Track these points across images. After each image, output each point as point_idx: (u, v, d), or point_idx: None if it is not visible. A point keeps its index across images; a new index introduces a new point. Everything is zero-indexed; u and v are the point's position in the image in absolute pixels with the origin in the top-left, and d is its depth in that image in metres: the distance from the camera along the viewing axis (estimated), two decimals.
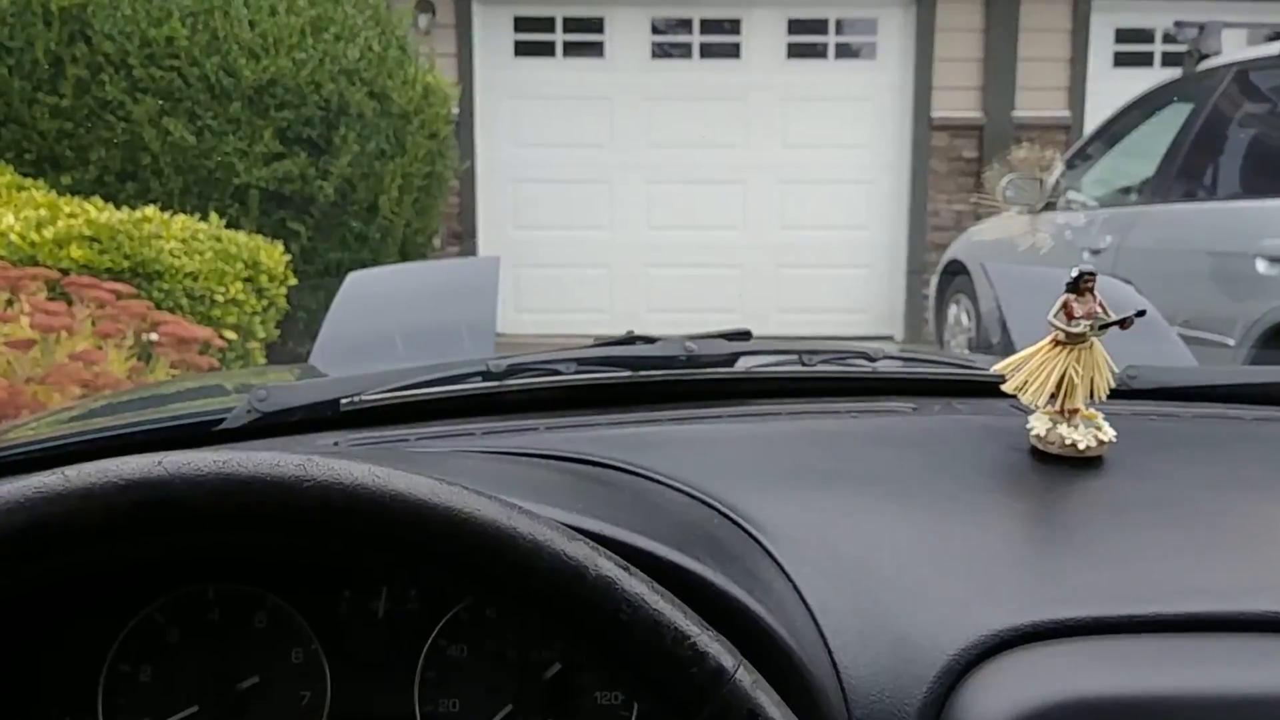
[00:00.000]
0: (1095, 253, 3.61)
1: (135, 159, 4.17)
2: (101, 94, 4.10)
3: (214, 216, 3.86)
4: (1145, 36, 6.31)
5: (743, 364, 0.92)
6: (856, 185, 6.34)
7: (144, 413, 0.98)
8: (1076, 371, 0.71)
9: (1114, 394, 0.73)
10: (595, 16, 6.23)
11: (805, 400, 0.85)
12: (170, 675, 0.57)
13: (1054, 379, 0.71)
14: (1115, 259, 3.52)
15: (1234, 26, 3.96)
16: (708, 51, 6.34)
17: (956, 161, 6.22)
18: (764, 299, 6.30)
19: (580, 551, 0.43)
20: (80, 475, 0.41)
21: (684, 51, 6.37)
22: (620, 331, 1.02)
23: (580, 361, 0.87)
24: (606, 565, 0.43)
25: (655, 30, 6.31)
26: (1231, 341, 3.00)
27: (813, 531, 0.61)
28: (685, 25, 6.34)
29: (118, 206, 3.68)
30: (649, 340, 0.93)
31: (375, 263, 4.41)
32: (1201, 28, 3.67)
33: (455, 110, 5.32)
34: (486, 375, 0.84)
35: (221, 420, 0.79)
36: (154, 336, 2.72)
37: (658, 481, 0.66)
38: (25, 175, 4.00)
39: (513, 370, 0.84)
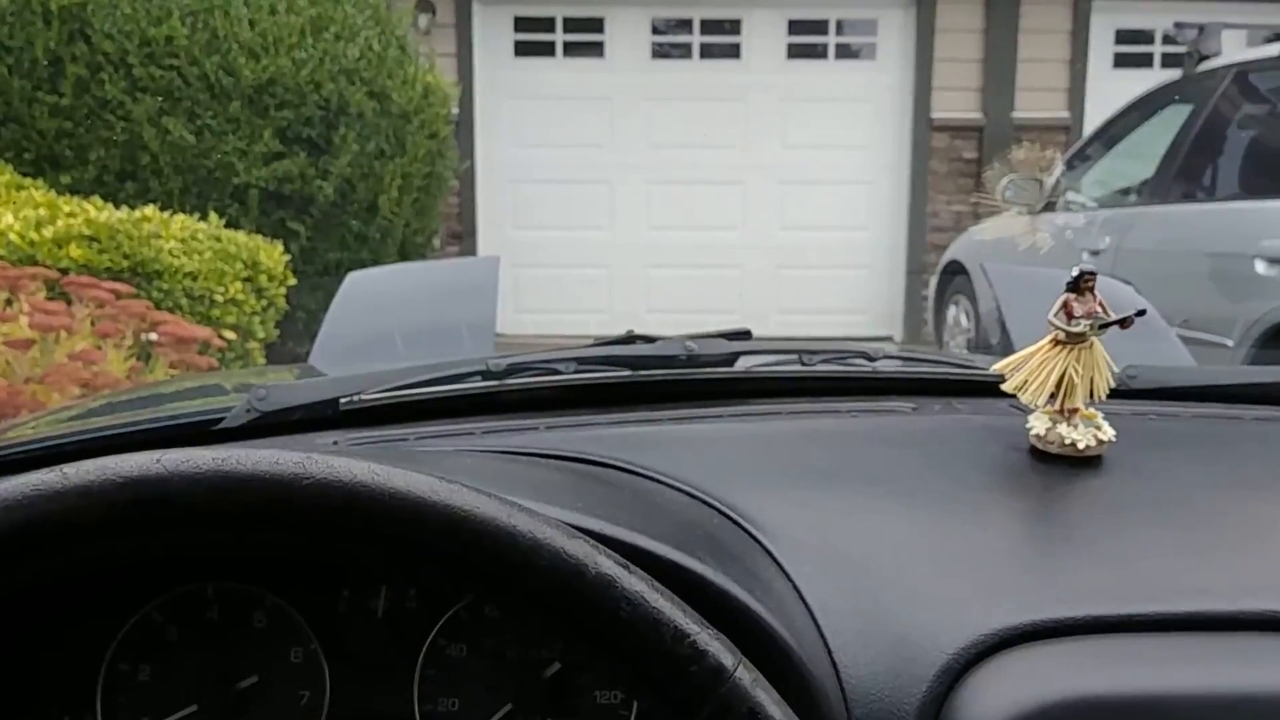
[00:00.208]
0: (1095, 253, 3.61)
1: (135, 158, 4.17)
2: (101, 93, 4.10)
3: (213, 216, 3.86)
4: (1145, 37, 6.31)
5: (742, 364, 0.92)
6: (856, 186, 6.34)
7: (143, 412, 0.98)
8: (1076, 371, 0.71)
9: (1113, 394, 0.73)
10: (595, 17, 6.23)
11: (805, 400, 0.85)
12: (169, 674, 0.57)
13: (1054, 379, 0.71)
14: (1115, 259, 3.52)
15: (1234, 27, 3.96)
16: (708, 52, 6.34)
17: (956, 162, 6.22)
18: (764, 299, 6.30)
19: (580, 549, 0.43)
20: (79, 473, 0.41)
21: (684, 52, 6.37)
22: (620, 331, 1.02)
23: (580, 361, 0.87)
24: (606, 563, 0.43)
25: (655, 30, 6.31)
26: (1230, 342, 3.00)
27: (812, 531, 0.61)
28: (685, 25, 6.34)
29: (117, 206, 3.68)
30: (649, 340, 0.93)
31: (375, 263, 4.41)
32: (1201, 29, 3.67)
33: (455, 110, 5.32)
34: (486, 375, 0.84)
35: (221, 419, 0.79)
36: (153, 336, 2.72)
37: (657, 481, 0.66)
38: (24, 174, 4.00)
39: (512, 370, 0.84)
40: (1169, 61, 5.87)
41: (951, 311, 4.95)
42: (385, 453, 0.71)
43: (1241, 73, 3.43)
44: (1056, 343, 0.72)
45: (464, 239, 6.15)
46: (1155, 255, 3.44)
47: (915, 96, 6.21)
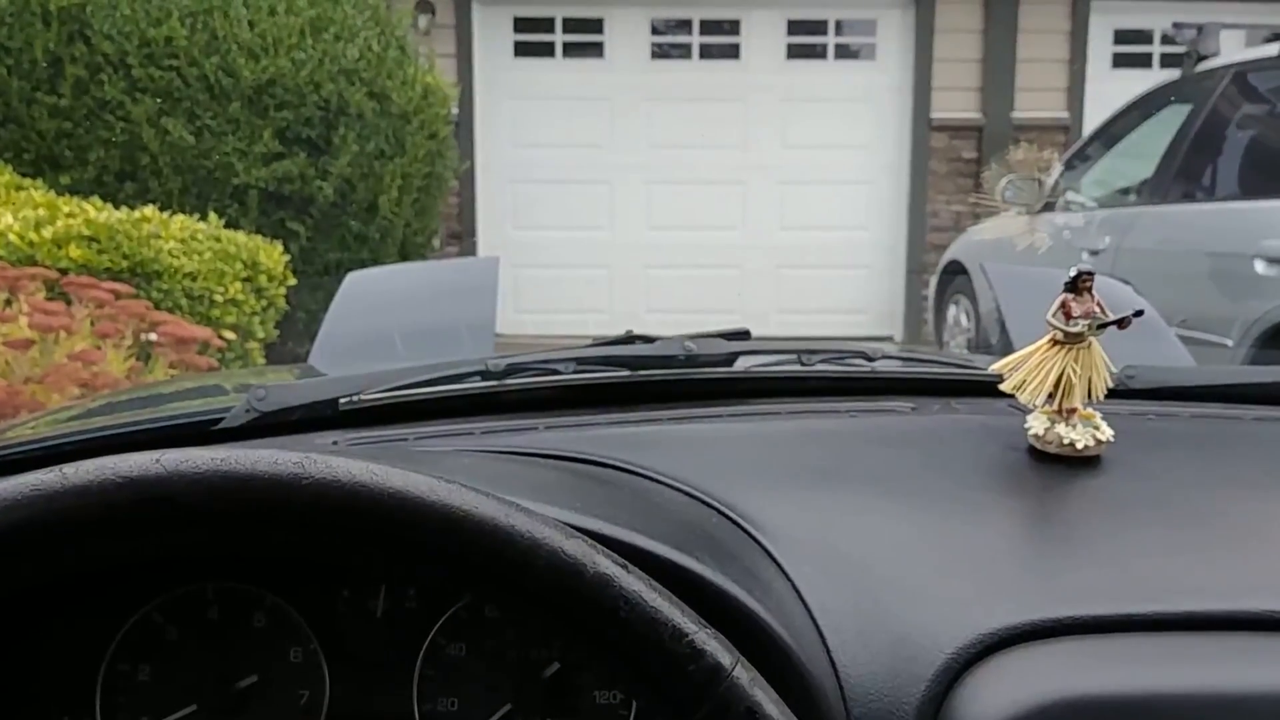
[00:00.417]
0: (1094, 253, 3.61)
1: (134, 159, 4.16)
2: (100, 94, 4.10)
3: (213, 216, 3.86)
4: (1144, 38, 6.32)
5: (742, 364, 0.92)
6: (856, 186, 6.34)
7: (143, 412, 0.98)
8: (1075, 371, 0.71)
9: (1112, 394, 0.73)
10: (595, 17, 6.23)
11: (804, 400, 0.85)
12: (169, 674, 0.57)
13: (1052, 378, 0.71)
14: (1114, 259, 3.52)
15: (1232, 28, 3.96)
16: (707, 52, 6.34)
17: (956, 162, 6.22)
18: (763, 299, 6.30)
19: (578, 549, 0.43)
20: (78, 473, 0.41)
21: (684, 52, 6.37)
22: (620, 332, 1.03)
23: (579, 361, 0.87)
24: (604, 563, 0.43)
25: (655, 31, 6.31)
26: (1230, 342, 3.01)
27: (811, 531, 0.62)
28: (685, 26, 6.34)
29: (116, 206, 3.68)
30: (648, 340, 0.93)
31: (374, 263, 4.41)
32: (1200, 29, 3.67)
33: (455, 111, 5.32)
34: (485, 375, 0.84)
35: (220, 419, 0.79)
36: (153, 336, 2.72)
37: (657, 481, 0.66)
38: (24, 175, 4.00)
39: (512, 370, 0.84)
40: (1168, 62, 5.87)
41: (951, 311, 4.95)
42: (384, 453, 0.71)
43: (1240, 73, 3.43)
44: (1055, 343, 0.72)
45: (464, 239, 6.15)
46: (1154, 255, 3.45)
47: (915, 96, 6.21)
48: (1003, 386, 0.73)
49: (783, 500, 0.65)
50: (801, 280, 6.35)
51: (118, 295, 2.78)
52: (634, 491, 0.65)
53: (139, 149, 4.14)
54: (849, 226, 6.36)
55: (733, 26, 6.30)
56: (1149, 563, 0.59)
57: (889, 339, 6.32)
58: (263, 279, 3.75)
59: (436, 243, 5.50)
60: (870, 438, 0.77)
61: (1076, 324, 0.71)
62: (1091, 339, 0.71)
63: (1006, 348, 0.84)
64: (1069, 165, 4.24)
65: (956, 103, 6.18)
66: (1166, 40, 5.69)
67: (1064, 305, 0.71)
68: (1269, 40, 3.47)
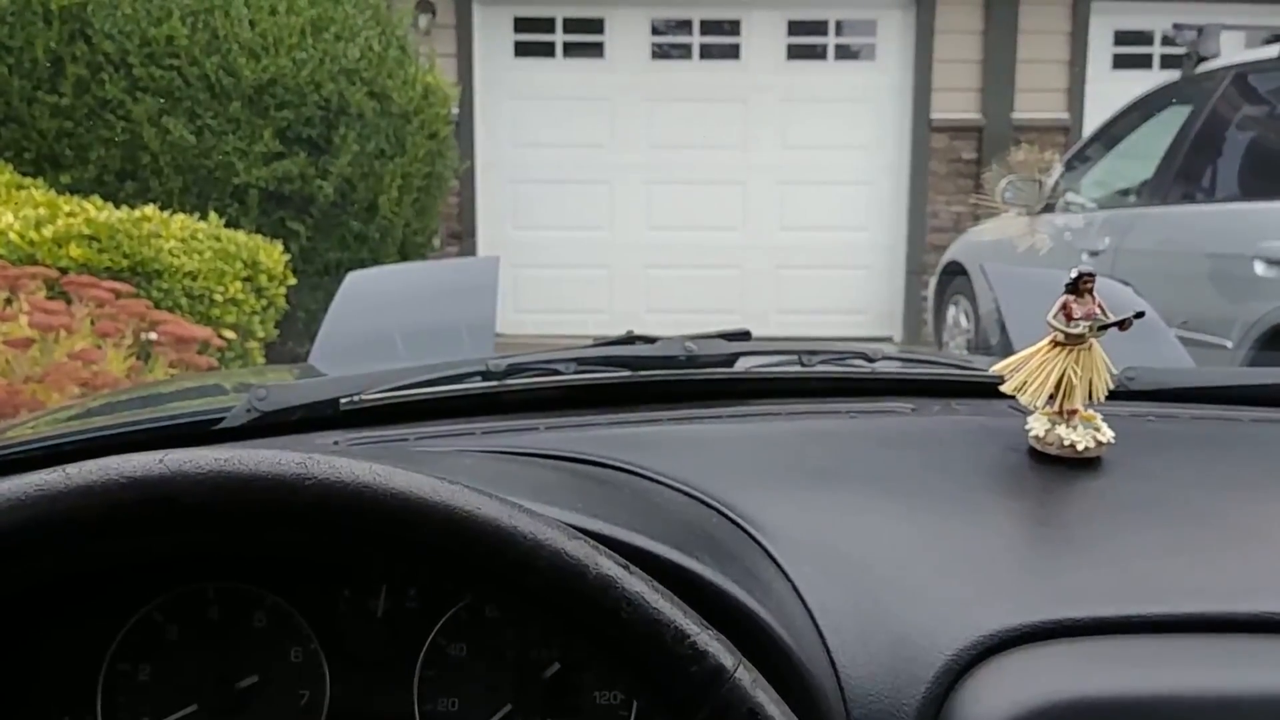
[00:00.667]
0: (1094, 254, 3.61)
1: (135, 158, 4.16)
2: (101, 93, 4.10)
3: (213, 216, 3.86)
4: (1144, 39, 6.32)
5: (742, 364, 0.92)
6: (856, 186, 6.34)
7: (143, 412, 0.98)
8: (1075, 372, 0.71)
9: (1112, 395, 0.73)
10: (595, 17, 6.23)
11: (804, 400, 0.85)
12: (169, 674, 0.57)
13: (1053, 380, 0.71)
14: (1114, 260, 3.52)
15: (1232, 29, 3.96)
16: (707, 53, 6.34)
17: (956, 163, 6.22)
18: (763, 300, 6.30)
19: (580, 550, 0.43)
20: (81, 473, 0.41)
21: (684, 52, 6.37)
22: (620, 332, 1.03)
23: (580, 361, 0.87)
24: (606, 564, 0.43)
25: (655, 31, 6.31)
26: (1230, 343, 3.00)
27: (812, 531, 0.62)
28: (685, 26, 6.34)
29: (117, 205, 3.68)
30: (649, 340, 0.93)
31: (375, 262, 4.41)
32: (1200, 30, 3.67)
33: (455, 110, 5.32)
34: (486, 375, 0.84)
35: (221, 419, 0.79)
36: (153, 336, 2.72)
37: (657, 481, 0.66)
38: (25, 174, 4.00)
39: (512, 370, 0.84)
40: (1168, 63, 5.87)
41: (951, 312, 4.95)
42: (385, 453, 0.71)
43: (1240, 74, 3.43)
44: (1055, 344, 0.72)
45: (464, 239, 6.15)
46: (1154, 256, 3.45)
47: (915, 97, 6.21)
48: (1004, 388, 0.73)
49: (783, 501, 0.65)
50: (801, 280, 6.35)
51: (118, 294, 2.78)
52: (634, 492, 0.65)
53: (140, 148, 4.14)
54: (849, 227, 6.36)
55: (733, 27, 6.30)
56: (1149, 564, 0.59)
57: (888, 339, 6.32)
58: (263, 278, 3.75)
59: (436, 243, 5.50)
60: (871, 438, 0.78)
61: (1077, 325, 0.71)
62: (1092, 340, 0.71)
63: (1006, 349, 0.84)
64: (1069, 166, 4.24)
65: (957, 103, 6.18)
66: (1167, 41, 5.69)
67: (1065, 307, 0.71)
68: (1269, 41, 3.47)
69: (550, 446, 0.71)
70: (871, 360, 0.92)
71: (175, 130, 4.12)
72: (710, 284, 6.27)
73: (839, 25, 6.32)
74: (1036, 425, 0.72)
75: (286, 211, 4.33)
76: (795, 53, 6.29)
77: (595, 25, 6.24)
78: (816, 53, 6.32)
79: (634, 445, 0.71)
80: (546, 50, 6.26)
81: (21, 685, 0.57)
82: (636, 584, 0.43)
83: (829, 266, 6.36)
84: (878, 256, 6.39)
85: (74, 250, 3.23)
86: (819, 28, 6.30)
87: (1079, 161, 4.31)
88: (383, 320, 1.31)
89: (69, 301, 2.70)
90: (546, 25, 6.23)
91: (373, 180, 4.45)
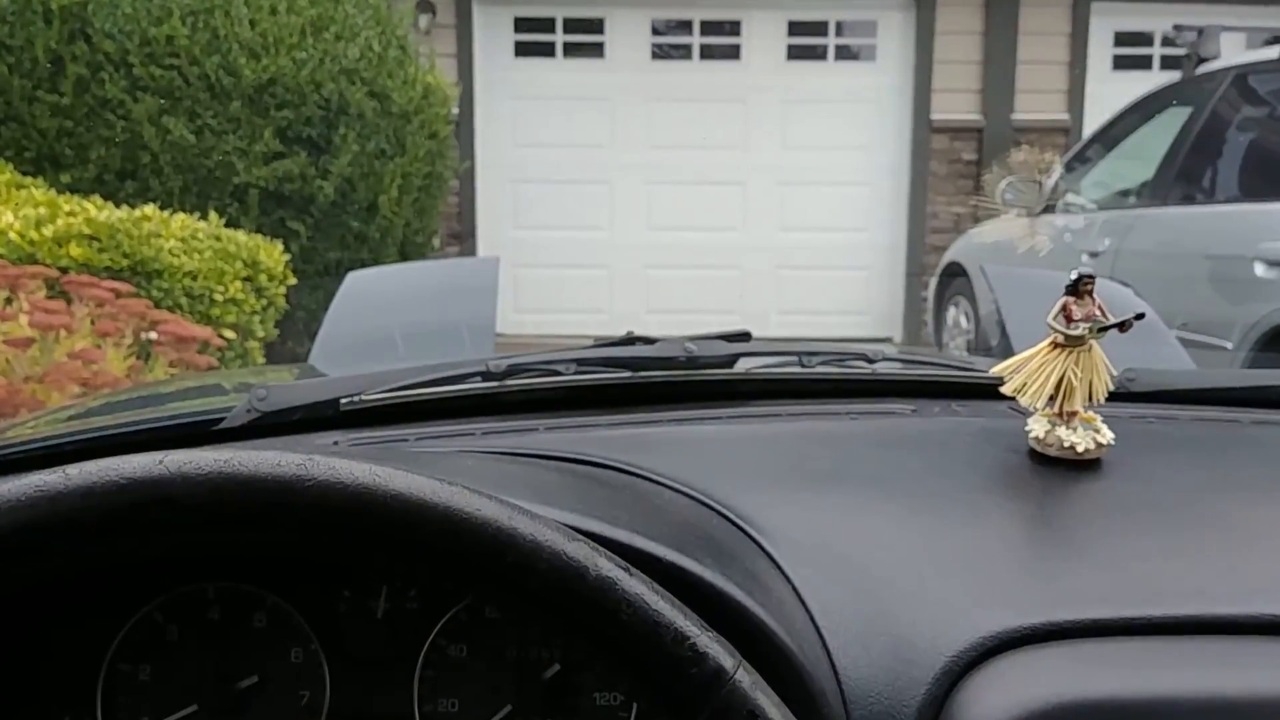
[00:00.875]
0: (1094, 255, 3.61)
1: (135, 158, 4.16)
2: (101, 92, 4.10)
3: (213, 215, 3.86)
4: (1144, 40, 6.32)
5: (742, 365, 0.92)
6: (856, 187, 6.34)
7: (143, 412, 0.98)
8: (1075, 374, 0.71)
9: (1112, 397, 0.73)
10: (595, 17, 6.23)
11: (805, 402, 0.85)
12: (169, 674, 0.57)
13: (1053, 381, 0.71)
14: (1114, 262, 3.52)
15: (1233, 30, 3.97)
16: (708, 53, 6.34)
17: (956, 164, 6.22)
18: (763, 300, 6.30)
19: (581, 552, 0.43)
20: (82, 474, 0.41)
21: (684, 53, 6.37)
22: (620, 332, 1.03)
23: (580, 362, 0.87)
24: (607, 566, 0.43)
25: (655, 31, 6.31)
26: (1230, 344, 3.00)
27: (812, 533, 0.62)
28: (685, 27, 6.34)
29: (117, 205, 3.68)
30: (649, 341, 0.93)
31: (375, 262, 4.41)
32: (1200, 31, 3.67)
33: (455, 110, 5.32)
34: (486, 375, 0.84)
35: (221, 419, 0.79)
36: (153, 335, 2.72)
37: (657, 482, 0.66)
38: (25, 173, 4.00)
39: (513, 370, 0.84)
40: (1168, 64, 5.87)
41: (951, 313, 4.95)
42: (386, 454, 0.71)
43: (1241, 75, 3.44)
44: (1055, 346, 0.72)
45: (464, 239, 6.15)
46: (1154, 257, 3.45)
47: (915, 98, 6.21)
48: (1004, 389, 0.73)
49: (783, 502, 0.65)
50: (801, 281, 6.35)
51: (118, 294, 2.79)
52: (634, 493, 0.65)
53: (140, 148, 4.14)
54: (849, 228, 6.36)
55: (733, 27, 6.30)
56: (1149, 566, 0.59)
57: (888, 340, 6.32)
58: (263, 278, 3.75)
59: (436, 242, 5.50)
60: (871, 440, 0.78)
61: (1077, 327, 0.71)
62: (1092, 342, 0.71)
63: (1006, 350, 0.84)
64: (1069, 167, 4.24)
65: (957, 104, 6.18)
66: (1167, 42, 5.69)
67: (1065, 308, 0.71)
68: (1269, 43, 3.47)
69: (550, 447, 0.71)
70: (872, 361, 0.92)
71: (175, 130, 4.12)
72: (710, 284, 6.27)
73: (839, 26, 6.32)
74: (1036, 427, 0.72)
75: (286, 211, 4.33)
76: (795, 53, 6.29)
77: (595, 25, 6.24)
78: (817, 53, 6.32)
79: (634, 446, 0.71)
80: (547, 50, 6.26)
81: (22, 685, 0.57)
82: (637, 586, 0.43)
83: (829, 267, 6.36)
84: (878, 257, 6.39)
85: (74, 250, 3.23)
86: (819, 28, 6.30)
87: (1079, 163, 4.31)
88: (383, 320, 1.31)
89: (69, 301, 2.70)
90: (547, 25, 6.23)
91: (373, 180, 4.45)
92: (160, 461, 0.41)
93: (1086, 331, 0.71)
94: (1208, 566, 0.59)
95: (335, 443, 0.74)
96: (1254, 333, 2.95)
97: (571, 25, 6.24)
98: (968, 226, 5.66)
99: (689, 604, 0.44)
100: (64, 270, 3.05)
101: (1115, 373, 0.74)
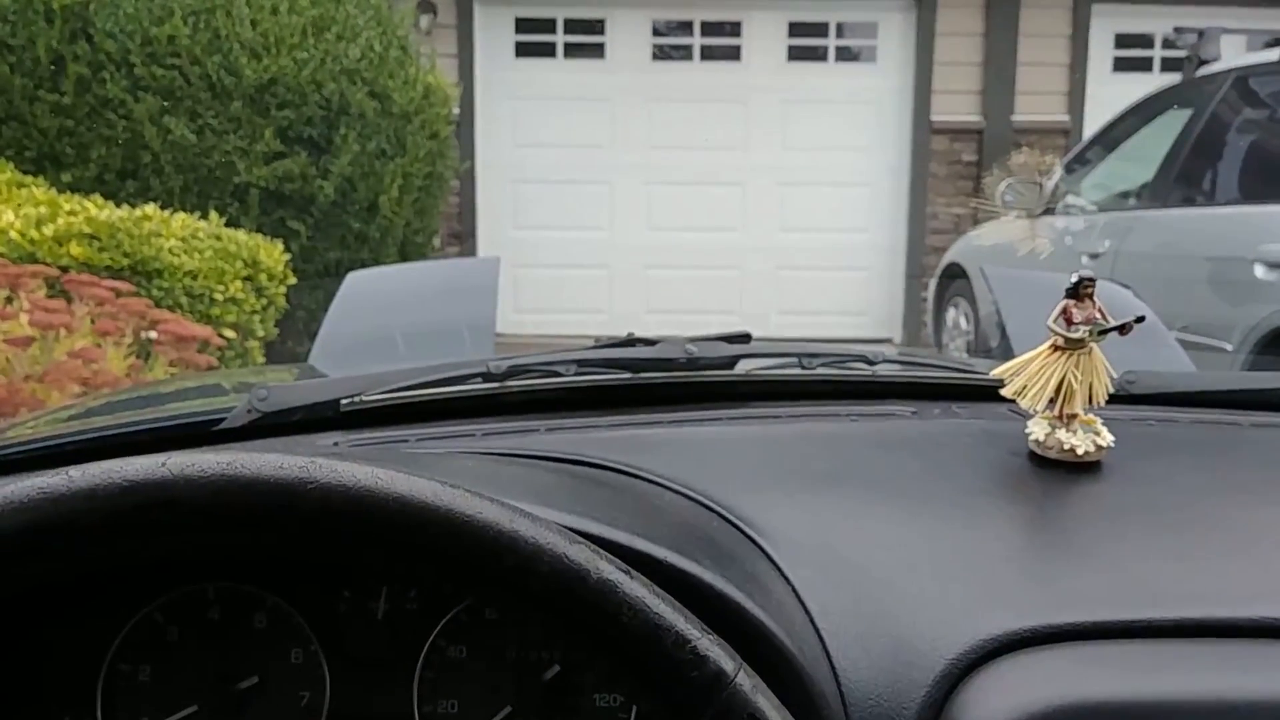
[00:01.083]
0: (1094, 257, 3.61)
1: (136, 157, 4.16)
2: (102, 92, 4.10)
3: (214, 215, 3.86)
4: (1145, 42, 6.32)
5: (742, 366, 0.92)
6: (856, 188, 6.34)
7: (143, 412, 0.98)
8: (1075, 376, 0.71)
9: (1112, 399, 0.73)
10: (596, 18, 6.23)
11: (805, 403, 0.85)
12: (170, 675, 0.57)
13: (1053, 384, 0.71)
14: (1114, 263, 3.52)
15: (1233, 32, 3.97)
16: (708, 54, 6.34)
17: (956, 165, 6.22)
18: (763, 301, 6.30)
19: (581, 555, 0.43)
20: (84, 476, 0.41)
21: (684, 53, 6.37)
22: (620, 332, 1.02)
23: (580, 363, 0.87)
24: (608, 568, 0.43)
25: (656, 32, 6.31)
26: (1230, 347, 3.01)
27: (812, 534, 0.62)
28: (686, 27, 6.34)
29: (118, 204, 3.68)
30: (649, 342, 0.93)
31: (375, 262, 4.41)
32: (1201, 33, 3.67)
33: (456, 110, 5.32)
34: (487, 376, 0.84)
35: (222, 420, 0.79)
36: (153, 335, 2.72)
37: (657, 484, 0.66)
38: (25, 172, 3.99)
39: (513, 371, 0.84)
40: (1168, 66, 5.87)
41: (951, 315, 4.95)
42: (386, 454, 0.71)
43: (1241, 77, 3.44)
44: (1056, 348, 0.72)
45: (464, 239, 6.15)
46: (1155, 259, 3.45)
47: (915, 99, 6.21)
48: (1004, 391, 0.73)
49: (783, 504, 0.65)
50: (801, 282, 6.35)
51: (118, 293, 2.78)
52: (635, 494, 0.65)
53: (140, 147, 4.14)
54: (849, 229, 6.36)
55: (734, 28, 6.30)
56: (1149, 568, 0.59)
57: (888, 341, 6.32)
58: (263, 278, 3.75)
59: (436, 242, 5.50)
60: (871, 441, 0.78)
61: (1078, 329, 0.71)
62: (1092, 344, 0.71)
63: (1006, 352, 0.84)
64: (1069, 169, 4.24)
65: (957, 106, 6.19)
66: (1167, 44, 5.70)
67: (1065, 311, 0.71)
68: (1269, 45, 3.47)
69: (551, 448, 0.71)
70: (872, 363, 0.92)
71: (176, 129, 4.12)
72: (710, 285, 6.27)
73: (840, 27, 6.32)
74: (1036, 429, 0.72)
75: (287, 211, 4.33)
76: (796, 54, 6.29)
77: (596, 26, 6.24)
78: (817, 54, 6.32)
79: (634, 447, 0.71)
80: (547, 51, 6.26)
81: (22, 685, 0.57)
82: (637, 589, 0.43)
83: (829, 268, 6.36)
84: (878, 258, 6.39)
85: (74, 249, 3.23)
86: (820, 29, 6.30)
87: (1079, 164, 4.31)
88: (383, 320, 1.31)
89: (69, 300, 2.70)
90: (547, 26, 6.23)
91: (373, 180, 4.45)
92: (163, 464, 0.41)
93: (1087, 334, 0.71)
94: (1208, 569, 0.59)
95: (336, 443, 0.74)
96: (1254, 335, 2.95)
97: (572, 26, 6.24)
98: (967, 228, 5.67)
99: (689, 606, 0.44)
100: (64, 269, 3.05)
101: (1115, 375, 0.74)
